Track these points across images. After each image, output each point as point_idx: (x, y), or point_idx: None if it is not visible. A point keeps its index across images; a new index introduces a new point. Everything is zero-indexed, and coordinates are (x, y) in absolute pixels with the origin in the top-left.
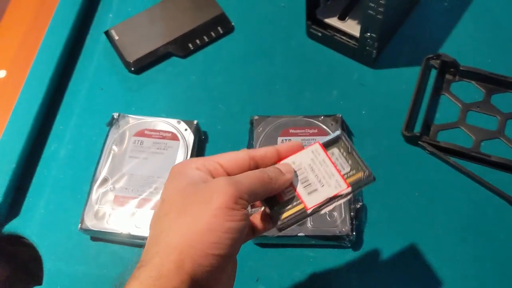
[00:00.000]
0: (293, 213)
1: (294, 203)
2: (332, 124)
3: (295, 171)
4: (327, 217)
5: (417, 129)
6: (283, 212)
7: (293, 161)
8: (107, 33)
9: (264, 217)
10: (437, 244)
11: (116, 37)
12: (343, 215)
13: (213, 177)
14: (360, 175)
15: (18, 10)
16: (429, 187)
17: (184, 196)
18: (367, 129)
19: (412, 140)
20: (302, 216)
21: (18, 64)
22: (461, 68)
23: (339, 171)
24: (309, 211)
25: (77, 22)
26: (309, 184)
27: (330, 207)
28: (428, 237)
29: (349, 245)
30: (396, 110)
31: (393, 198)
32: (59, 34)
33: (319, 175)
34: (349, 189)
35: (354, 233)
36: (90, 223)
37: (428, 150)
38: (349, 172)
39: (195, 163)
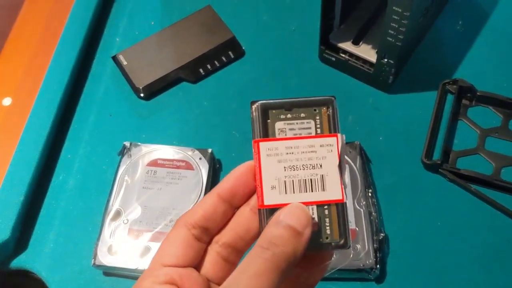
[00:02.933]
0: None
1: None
2: (350, 152)
3: None
4: (351, 249)
5: (436, 155)
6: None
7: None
8: (114, 58)
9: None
10: (461, 275)
11: (125, 62)
12: (367, 248)
13: None
14: None
15: (22, 35)
16: (451, 216)
17: None
18: (385, 156)
19: (432, 167)
20: None
21: (23, 91)
22: (478, 94)
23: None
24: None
25: (83, 47)
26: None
27: None
28: (452, 267)
29: (372, 278)
30: (413, 136)
31: (415, 227)
32: (65, 60)
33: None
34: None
35: (378, 266)
36: (104, 259)
37: (448, 178)
38: None
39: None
